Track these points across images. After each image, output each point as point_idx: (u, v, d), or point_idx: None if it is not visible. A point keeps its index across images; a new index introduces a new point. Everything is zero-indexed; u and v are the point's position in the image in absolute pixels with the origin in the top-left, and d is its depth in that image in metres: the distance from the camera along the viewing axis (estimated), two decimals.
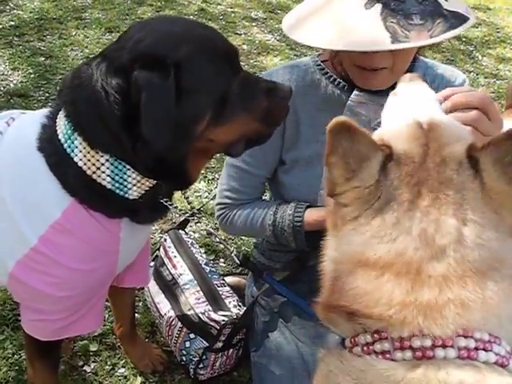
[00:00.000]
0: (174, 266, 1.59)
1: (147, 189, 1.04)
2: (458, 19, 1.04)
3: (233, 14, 4.13)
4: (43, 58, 3.16)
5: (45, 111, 1.09)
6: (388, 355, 0.61)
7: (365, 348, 0.63)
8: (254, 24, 4.03)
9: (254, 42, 3.73)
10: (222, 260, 1.98)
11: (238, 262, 1.48)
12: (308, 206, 1.32)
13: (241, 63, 1.06)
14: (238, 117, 1.00)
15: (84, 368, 1.55)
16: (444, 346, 0.58)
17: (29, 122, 1.10)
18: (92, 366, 1.55)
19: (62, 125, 1.02)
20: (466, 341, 0.59)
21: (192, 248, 1.66)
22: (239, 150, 1.08)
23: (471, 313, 0.59)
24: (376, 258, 0.63)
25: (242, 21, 4.06)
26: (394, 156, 0.67)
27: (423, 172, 0.66)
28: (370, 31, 1.02)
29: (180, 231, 1.67)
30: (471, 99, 0.87)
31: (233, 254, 1.44)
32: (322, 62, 1.32)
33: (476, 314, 0.60)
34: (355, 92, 1.23)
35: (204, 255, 1.67)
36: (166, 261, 1.61)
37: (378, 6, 1.02)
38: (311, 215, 1.31)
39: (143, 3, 4.09)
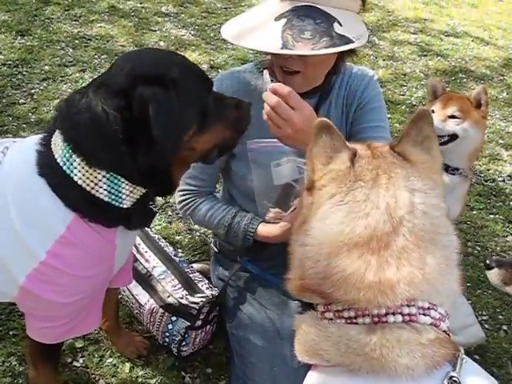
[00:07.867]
0: (147, 261, 1.76)
1: (138, 197, 1.19)
2: (342, 40, 1.27)
3: (144, 10, 4.18)
4: None
5: (36, 138, 1.20)
6: (354, 320, 0.81)
7: (336, 314, 0.83)
8: (166, 19, 4.12)
9: (169, 38, 3.84)
10: (180, 250, 2.16)
11: (216, 250, 1.68)
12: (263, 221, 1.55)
13: None
14: (215, 126, 1.21)
15: (74, 364, 1.68)
16: (394, 314, 0.78)
17: (24, 150, 1.21)
18: (81, 361, 1.69)
19: (59, 149, 1.14)
20: (409, 309, 0.79)
21: (160, 242, 1.84)
22: (213, 158, 1.28)
23: (415, 288, 0.80)
24: (355, 235, 0.78)
25: (154, 16, 4.12)
26: (357, 154, 0.89)
27: (375, 161, 0.88)
28: (268, 37, 1.27)
29: (146, 228, 1.83)
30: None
31: (211, 245, 1.64)
32: (264, 68, 1.54)
33: (418, 288, 0.79)
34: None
35: (171, 247, 1.85)
36: (139, 256, 1.77)
37: (283, 21, 1.27)
38: (262, 230, 1.54)
39: (50, 2, 3.99)
